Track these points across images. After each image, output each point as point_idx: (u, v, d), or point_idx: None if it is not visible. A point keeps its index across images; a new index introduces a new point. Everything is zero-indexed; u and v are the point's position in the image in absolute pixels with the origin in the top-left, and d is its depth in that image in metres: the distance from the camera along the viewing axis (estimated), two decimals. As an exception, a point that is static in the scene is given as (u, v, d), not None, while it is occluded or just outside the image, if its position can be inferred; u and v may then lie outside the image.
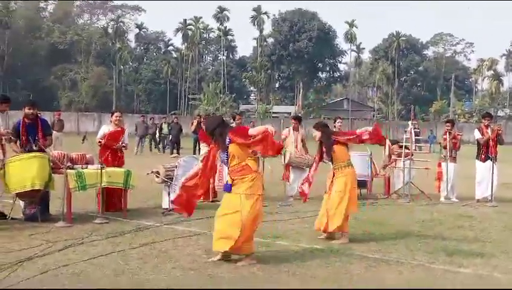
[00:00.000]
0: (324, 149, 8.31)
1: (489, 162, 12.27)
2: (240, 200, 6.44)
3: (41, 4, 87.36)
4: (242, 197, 6.44)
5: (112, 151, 10.37)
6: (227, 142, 6.58)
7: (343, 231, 8.00)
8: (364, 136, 8.23)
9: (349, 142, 8.37)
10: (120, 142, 10.58)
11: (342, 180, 8.07)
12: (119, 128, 10.63)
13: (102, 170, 9.07)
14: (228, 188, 6.61)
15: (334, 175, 8.19)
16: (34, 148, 8.99)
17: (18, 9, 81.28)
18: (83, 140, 9.46)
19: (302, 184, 8.69)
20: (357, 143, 8.60)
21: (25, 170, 8.52)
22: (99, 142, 10.36)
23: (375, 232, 8.72)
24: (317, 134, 8.40)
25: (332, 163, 8.25)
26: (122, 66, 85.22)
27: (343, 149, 8.20)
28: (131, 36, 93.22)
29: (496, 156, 12.29)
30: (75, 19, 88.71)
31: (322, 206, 8.26)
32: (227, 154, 6.60)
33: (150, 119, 32.28)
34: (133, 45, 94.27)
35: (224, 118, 7.54)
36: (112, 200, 9.90)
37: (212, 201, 11.67)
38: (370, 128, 8.30)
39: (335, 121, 13.67)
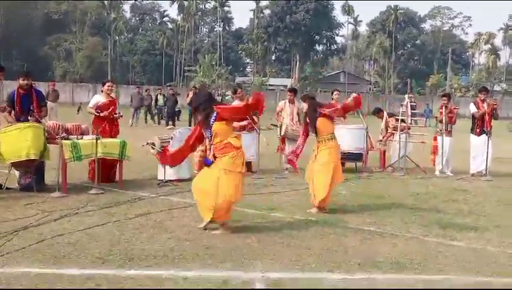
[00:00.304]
0: (308, 121, 8.31)
1: (484, 136, 12.29)
2: (218, 174, 6.51)
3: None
4: (221, 172, 6.50)
5: (108, 121, 10.32)
6: (212, 119, 6.58)
7: (325, 203, 8.06)
8: (349, 104, 8.26)
9: (334, 114, 8.36)
10: (118, 112, 10.55)
11: (325, 152, 8.09)
12: (110, 99, 10.54)
13: (98, 141, 9.04)
14: (208, 163, 6.68)
15: (318, 147, 8.20)
16: (30, 118, 8.96)
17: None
18: (78, 110, 9.45)
19: (289, 155, 8.73)
20: (342, 114, 8.64)
21: (20, 140, 8.49)
22: (98, 113, 10.25)
23: (370, 205, 8.76)
24: (304, 106, 8.42)
25: (316, 135, 8.25)
26: (117, 37, 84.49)
27: (327, 122, 8.19)
28: (126, 6, 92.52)
29: (490, 131, 12.30)
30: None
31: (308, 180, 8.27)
32: (210, 132, 6.62)
33: (146, 90, 32.07)
34: (128, 15, 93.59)
35: (211, 93, 7.50)
36: (104, 171, 9.85)
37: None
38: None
39: (332, 93, 13.63)
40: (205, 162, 6.80)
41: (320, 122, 8.13)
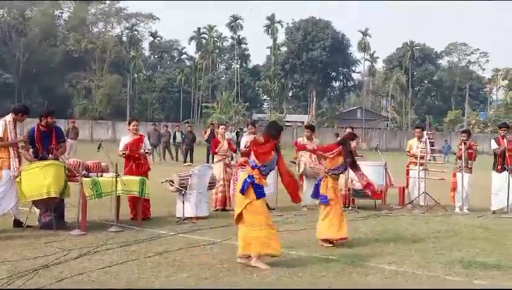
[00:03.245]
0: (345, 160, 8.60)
1: (505, 173, 12.17)
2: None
3: (57, 12, 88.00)
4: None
5: (134, 160, 10.40)
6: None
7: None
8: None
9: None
10: (143, 149, 10.63)
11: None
12: (137, 136, 10.66)
13: (118, 178, 9.10)
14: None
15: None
16: (50, 156, 9.05)
17: (33, 16, 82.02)
18: (99, 148, 9.50)
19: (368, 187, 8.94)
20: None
21: (41, 178, 8.58)
22: (123, 153, 10.37)
23: (390, 242, 8.66)
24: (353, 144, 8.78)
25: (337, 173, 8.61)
26: (136, 74, 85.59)
27: None
28: (145, 44, 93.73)
29: (512, 167, 12.17)
30: (89, 27, 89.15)
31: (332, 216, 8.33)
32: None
33: (164, 126, 32.27)
34: (147, 53, 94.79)
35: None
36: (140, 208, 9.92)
37: (224, 209, 11.68)
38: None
39: (345, 130, 13.61)
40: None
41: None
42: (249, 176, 7.00)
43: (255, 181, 6.97)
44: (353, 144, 8.73)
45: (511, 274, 6.88)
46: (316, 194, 8.68)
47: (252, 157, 7.18)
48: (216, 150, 12.21)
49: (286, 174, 7.48)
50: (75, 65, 78.25)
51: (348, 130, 13.39)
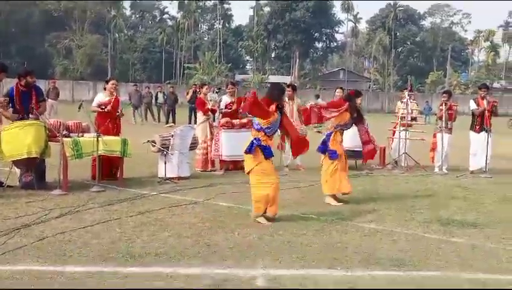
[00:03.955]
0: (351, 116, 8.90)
1: (483, 133, 12.30)
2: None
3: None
4: None
5: (112, 120, 10.33)
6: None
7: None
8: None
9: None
10: (120, 110, 10.55)
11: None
12: (114, 97, 10.53)
13: (99, 138, 9.05)
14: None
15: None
16: (31, 116, 8.97)
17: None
18: (79, 108, 9.42)
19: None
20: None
21: (22, 138, 8.51)
22: (102, 108, 10.25)
23: (370, 202, 8.78)
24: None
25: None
26: (117, 34, 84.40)
27: None
28: (126, 4, 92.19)
29: (490, 128, 12.31)
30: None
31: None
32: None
33: (146, 88, 32.02)
34: (128, 12, 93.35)
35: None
36: (105, 168, 9.88)
37: (210, 171, 11.71)
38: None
39: (335, 91, 13.59)
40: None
41: None
42: (255, 139, 7.14)
43: (261, 143, 7.12)
44: (358, 100, 8.95)
45: (488, 232, 7.02)
46: (322, 147, 8.82)
47: (257, 120, 7.22)
48: (206, 108, 12.02)
49: (295, 132, 7.85)
50: (55, 25, 76.82)
51: (338, 90, 13.36)
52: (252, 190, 7.26)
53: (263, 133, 7.18)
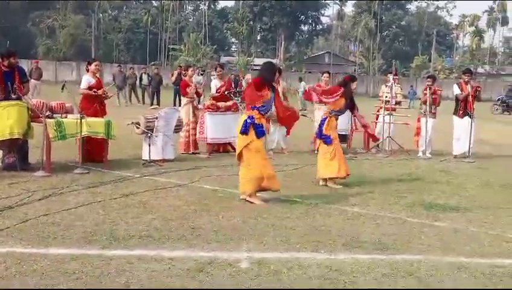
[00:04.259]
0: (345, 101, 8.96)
1: (467, 118, 12.38)
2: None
3: None
4: None
5: (99, 102, 10.26)
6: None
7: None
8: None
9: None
10: (106, 92, 10.49)
11: None
12: (97, 78, 10.47)
13: (82, 120, 8.98)
14: None
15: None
16: (13, 96, 8.85)
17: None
18: (62, 89, 9.33)
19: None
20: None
21: (4, 119, 8.41)
22: (95, 92, 10.15)
23: (354, 185, 8.82)
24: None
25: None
26: (101, 14, 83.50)
27: None
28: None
29: (473, 113, 12.39)
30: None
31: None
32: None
33: (130, 69, 31.76)
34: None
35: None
36: (93, 150, 9.83)
37: (193, 153, 11.69)
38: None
39: (322, 75, 13.55)
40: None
41: None
42: (249, 117, 7.23)
43: (255, 121, 7.22)
44: (353, 85, 9.01)
45: (470, 216, 7.10)
46: (319, 133, 8.93)
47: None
48: (187, 91, 12.03)
49: (283, 109, 7.94)
50: (38, 4, 75.75)
51: (325, 74, 13.30)
52: (242, 170, 7.31)
53: (257, 112, 7.25)
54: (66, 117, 9.19)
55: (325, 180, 8.74)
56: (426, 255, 5.38)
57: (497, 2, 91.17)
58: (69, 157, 9.91)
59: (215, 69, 12.55)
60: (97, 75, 10.51)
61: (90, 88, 10.19)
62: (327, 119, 8.78)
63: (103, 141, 9.61)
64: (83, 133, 9.02)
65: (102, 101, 10.45)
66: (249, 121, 7.19)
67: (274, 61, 75.44)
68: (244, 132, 7.19)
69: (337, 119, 8.96)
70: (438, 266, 5.10)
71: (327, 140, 8.66)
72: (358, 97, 14.53)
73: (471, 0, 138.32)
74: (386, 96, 13.27)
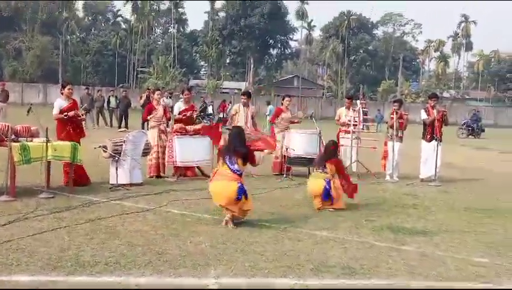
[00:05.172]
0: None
1: (434, 142, 12.56)
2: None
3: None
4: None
5: (73, 124, 10.16)
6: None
7: None
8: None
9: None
10: (81, 114, 10.42)
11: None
12: (72, 101, 10.37)
13: (48, 144, 8.85)
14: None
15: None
16: (-24, 119, 8.72)
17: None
18: (28, 112, 9.20)
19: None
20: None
21: (-33, 142, 8.25)
22: (66, 115, 10.04)
23: (322, 210, 8.83)
24: None
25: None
26: (69, 36, 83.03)
27: None
28: (79, 5, 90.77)
29: (440, 137, 12.59)
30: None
31: None
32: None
33: (98, 91, 31.49)
34: (80, 14, 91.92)
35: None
36: (77, 174, 9.79)
37: (161, 177, 11.60)
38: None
39: (283, 99, 13.67)
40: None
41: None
42: (241, 184, 7.42)
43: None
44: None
45: (437, 240, 7.17)
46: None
47: (236, 166, 7.51)
48: (148, 117, 12.07)
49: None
50: (5, 25, 74.98)
51: (286, 99, 13.49)
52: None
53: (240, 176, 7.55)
54: (31, 141, 9.05)
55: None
56: (394, 280, 5.41)
57: (461, 26, 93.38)
58: (34, 181, 9.73)
59: (183, 92, 12.54)
60: (71, 97, 10.43)
61: (61, 112, 10.09)
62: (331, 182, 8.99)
63: (70, 164, 9.49)
64: (48, 158, 8.89)
65: (79, 124, 10.37)
66: (242, 187, 7.36)
67: (243, 84, 75.81)
68: (240, 198, 7.30)
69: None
70: (405, 291, 5.12)
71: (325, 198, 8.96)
72: (326, 121, 14.66)
73: (436, 26, 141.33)
74: (349, 120, 13.39)
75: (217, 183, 7.44)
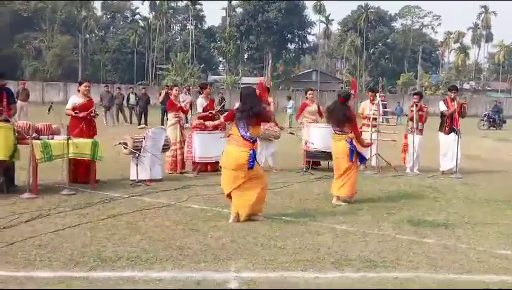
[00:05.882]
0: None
1: (453, 134, 12.45)
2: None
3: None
4: None
5: (86, 122, 10.23)
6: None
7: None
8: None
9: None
10: (94, 112, 10.46)
11: None
12: (88, 99, 10.46)
13: (69, 141, 8.94)
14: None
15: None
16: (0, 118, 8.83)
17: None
18: (49, 110, 9.30)
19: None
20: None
21: (-11, 141, 8.35)
22: (76, 113, 10.14)
23: (342, 203, 8.82)
24: None
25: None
26: (88, 35, 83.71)
27: None
28: (97, 4, 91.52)
29: (459, 129, 12.48)
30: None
31: None
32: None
33: (117, 88, 31.73)
34: (99, 13, 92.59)
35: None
36: (80, 171, 9.82)
37: (180, 172, 11.65)
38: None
39: (306, 93, 13.69)
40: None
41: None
42: (253, 151, 7.34)
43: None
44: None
45: (458, 232, 7.11)
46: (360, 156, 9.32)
47: (249, 133, 7.34)
48: (177, 107, 11.97)
49: None
50: (25, 25, 75.76)
51: (310, 92, 13.51)
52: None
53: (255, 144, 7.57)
54: (52, 138, 9.14)
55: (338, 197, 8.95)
56: (415, 272, 5.38)
57: (481, 17, 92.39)
58: (56, 178, 9.83)
59: (203, 88, 12.39)
60: (88, 95, 10.51)
61: (75, 108, 10.17)
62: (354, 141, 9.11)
63: (89, 162, 9.56)
64: (69, 155, 8.98)
65: (92, 121, 10.43)
66: (253, 154, 7.30)
67: (262, 79, 75.74)
68: (252, 165, 7.26)
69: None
70: (427, 283, 5.09)
71: (363, 160, 9.35)
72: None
73: (455, 17, 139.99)
74: (369, 113, 13.30)
75: (230, 148, 7.40)
